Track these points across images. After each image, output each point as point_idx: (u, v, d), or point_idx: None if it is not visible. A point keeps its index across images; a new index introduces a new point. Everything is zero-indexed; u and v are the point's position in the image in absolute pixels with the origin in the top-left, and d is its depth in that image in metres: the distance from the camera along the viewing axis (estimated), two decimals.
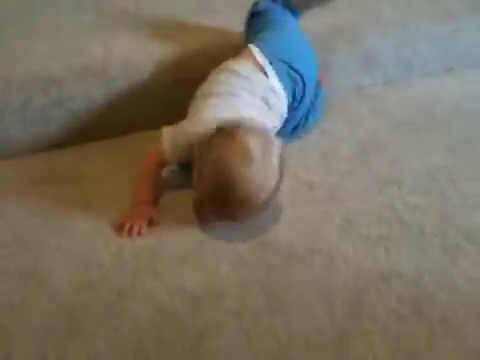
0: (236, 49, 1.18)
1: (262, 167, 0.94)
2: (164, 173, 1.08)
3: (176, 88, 1.22)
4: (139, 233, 0.97)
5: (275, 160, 0.96)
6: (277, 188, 0.97)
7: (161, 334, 0.83)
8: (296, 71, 1.12)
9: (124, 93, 1.20)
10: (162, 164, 1.06)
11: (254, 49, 1.12)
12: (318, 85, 1.20)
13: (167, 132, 1.04)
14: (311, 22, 1.29)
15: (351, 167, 1.12)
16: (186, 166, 1.05)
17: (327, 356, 0.81)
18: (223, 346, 0.82)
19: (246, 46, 1.15)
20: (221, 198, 0.94)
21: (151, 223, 0.99)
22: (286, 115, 1.13)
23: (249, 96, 1.07)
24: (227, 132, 0.96)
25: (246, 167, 0.93)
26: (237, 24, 1.25)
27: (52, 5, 1.41)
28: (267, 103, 1.08)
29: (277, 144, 0.98)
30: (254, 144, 0.95)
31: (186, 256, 0.95)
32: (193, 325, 0.84)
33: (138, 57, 1.22)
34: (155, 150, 1.04)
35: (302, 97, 1.14)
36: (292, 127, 1.17)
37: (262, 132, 0.99)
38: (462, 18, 1.36)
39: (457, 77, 1.37)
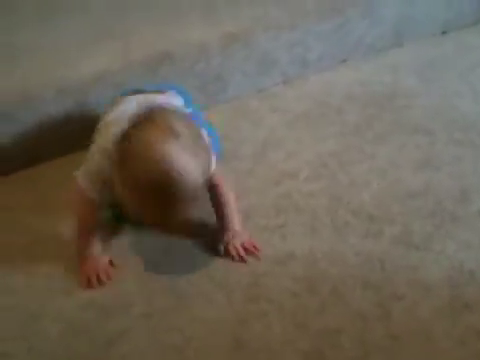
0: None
1: (190, 142, 0.94)
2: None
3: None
4: (108, 278, 1.02)
5: (203, 137, 0.97)
6: (209, 171, 0.98)
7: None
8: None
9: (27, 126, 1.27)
10: (91, 205, 1.04)
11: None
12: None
13: (78, 171, 1.04)
14: (205, 31, 1.41)
15: (251, 166, 1.23)
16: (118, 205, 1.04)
17: (229, 340, 0.92)
18: (132, 348, 0.92)
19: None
20: (162, 188, 0.91)
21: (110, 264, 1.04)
22: None
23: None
24: (139, 121, 0.95)
25: (175, 142, 0.92)
26: (138, 45, 1.36)
27: None
28: None
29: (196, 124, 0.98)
30: (175, 119, 0.95)
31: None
32: (103, 334, 0.94)
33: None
34: (75, 194, 1.03)
35: None
36: None
37: (178, 111, 1.00)
38: (347, 11, 1.50)
39: (351, 67, 1.50)
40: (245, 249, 1.03)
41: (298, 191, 1.15)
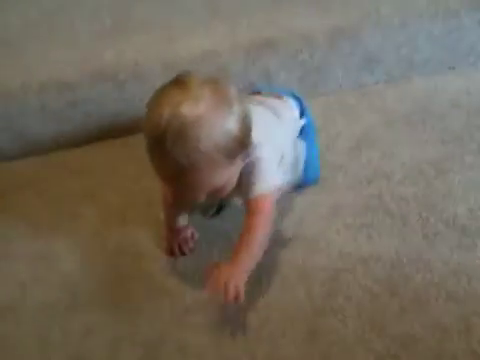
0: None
1: (212, 104, 0.86)
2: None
3: None
4: (190, 249, 1.08)
5: (235, 105, 0.89)
6: (241, 141, 0.90)
7: None
8: None
9: (134, 96, 1.36)
10: None
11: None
12: None
13: None
14: (312, 22, 1.42)
15: (344, 161, 1.24)
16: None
17: (303, 330, 0.94)
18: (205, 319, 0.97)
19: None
20: (156, 137, 0.86)
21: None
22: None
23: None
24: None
25: (190, 101, 0.85)
26: (245, 29, 1.39)
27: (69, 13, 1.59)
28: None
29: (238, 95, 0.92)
30: (202, 84, 0.88)
31: None
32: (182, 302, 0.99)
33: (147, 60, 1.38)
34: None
35: None
36: None
37: (220, 81, 0.92)
38: (462, 15, 1.46)
39: (459, 74, 1.46)
40: (227, 290, 0.89)
41: (390, 193, 1.15)
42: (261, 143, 0.97)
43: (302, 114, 1.20)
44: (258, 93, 1.22)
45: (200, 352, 0.93)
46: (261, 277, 1.01)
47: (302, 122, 1.18)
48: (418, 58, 1.47)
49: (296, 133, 1.18)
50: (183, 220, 1.10)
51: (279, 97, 1.18)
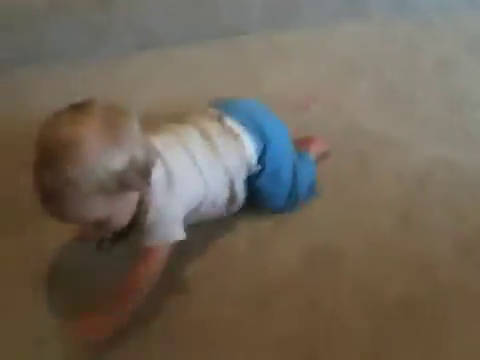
0: None
1: (97, 133, 0.82)
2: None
3: None
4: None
5: (127, 141, 0.85)
6: (122, 180, 0.85)
7: None
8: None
9: None
10: None
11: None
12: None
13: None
14: None
15: (428, 77, 1.43)
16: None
17: (393, 218, 1.15)
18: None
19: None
20: (37, 150, 0.83)
21: None
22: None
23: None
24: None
25: (73, 125, 0.82)
26: None
27: None
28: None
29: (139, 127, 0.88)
30: (100, 112, 0.85)
31: None
32: None
33: None
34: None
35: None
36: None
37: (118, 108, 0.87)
38: None
39: None
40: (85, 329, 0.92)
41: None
42: (163, 192, 0.94)
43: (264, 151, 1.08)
44: (218, 116, 1.08)
45: None
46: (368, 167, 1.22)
47: (256, 167, 1.07)
48: None
49: (241, 172, 1.07)
50: None
51: (231, 131, 1.06)
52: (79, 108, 0.85)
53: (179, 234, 0.96)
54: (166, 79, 1.45)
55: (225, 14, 1.57)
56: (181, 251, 0.98)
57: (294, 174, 1.11)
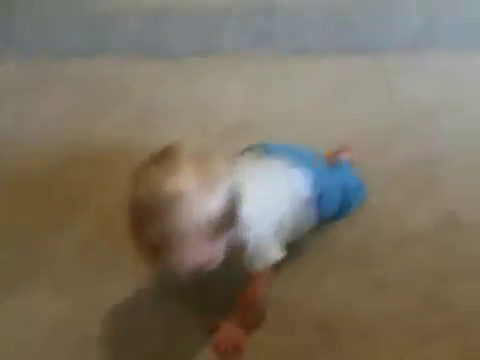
0: None
1: (195, 183, 0.87)
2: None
3: None
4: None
5: (221, 184, 0.89)
6: (223, 221, 0.90)
7: None
8: None
9: None
10: None
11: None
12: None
13: None
14: None
15: None
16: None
17: None
18: None
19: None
20: (135, 209, 0.88)
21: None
22: None
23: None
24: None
25: (171, 179, 0.86)
26: None
27: None
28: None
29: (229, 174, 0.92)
30: (189, 159, 0.89)
31: None
32: None
33: None
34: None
35: None
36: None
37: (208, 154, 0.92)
38: None
39: None
40: (225, 348, 0.99)
41: None
42: (254, 218, 0.98)
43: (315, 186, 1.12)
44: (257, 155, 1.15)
45: None
46: None
47: (306, 193, 1.11)
48: None
49: (298, 201, 1.10)
50: None
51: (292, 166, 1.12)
52: (169, 158, 0.87)
53: (278, 254, 1.02)
54: None
55: None
56: None
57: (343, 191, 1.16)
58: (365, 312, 1.02)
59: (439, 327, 0.98)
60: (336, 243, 1.14)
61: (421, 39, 1.65)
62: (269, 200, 1.04)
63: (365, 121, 1.42)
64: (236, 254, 0.98)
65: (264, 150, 1.15)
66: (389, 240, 1.14)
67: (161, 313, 1.05)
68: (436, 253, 1.11)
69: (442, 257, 1.10)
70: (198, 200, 0.86)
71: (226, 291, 1.05)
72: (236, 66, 1.66)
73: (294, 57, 1.67)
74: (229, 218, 0.91)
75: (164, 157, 0.88)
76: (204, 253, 0.91)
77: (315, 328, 1.01)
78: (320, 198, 1.12)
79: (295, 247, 1.09)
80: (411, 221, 1.17)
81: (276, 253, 1.02)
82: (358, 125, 1.41)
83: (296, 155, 1.14)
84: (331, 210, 1.16)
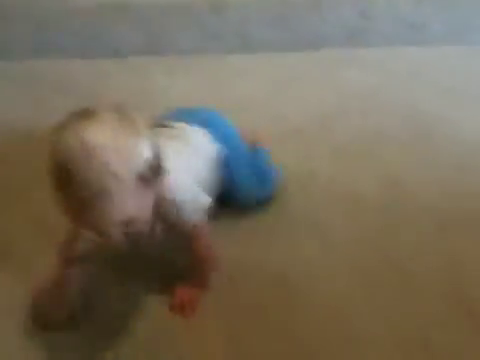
0: None
1: (120, 129, 0.86)
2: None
3: None
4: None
5: (144, 131, 0.90)
6: (153, 167, 0.90)
7: None
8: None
9: None
10: None
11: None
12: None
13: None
14: None
15: None
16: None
17: None
18: None
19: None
20: (60, 165, 0.85)
21: None
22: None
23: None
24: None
25: (95, 126, 0.86)
26: None
27: None
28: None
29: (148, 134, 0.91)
30: (108, 112, 0.88)
31: None
32: None
33: None
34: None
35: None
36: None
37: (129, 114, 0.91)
38: None
39: None
40: (182, 306, 1.07)
41: None
42: (175, 173, 0.98)
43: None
44: (163, 125, 1.19)
45: None
46: None
47: (215, 147, 1.19)
48: None
49: (211, 157, 1.18)
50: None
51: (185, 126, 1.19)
52: (89, 112, 0.87)
53: (206, 200, 1.06)
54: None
55: None
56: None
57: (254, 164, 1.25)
58: (319, 268, 1.14)
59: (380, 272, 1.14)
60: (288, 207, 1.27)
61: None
62: (183, 156, 1.09)
63: (314, 105, 1.60)
64: (166, 213, 0.99)
65: (174, 116, 1.22)
66: (340, 205, 1.28)
67: (114, 285, 1.10)
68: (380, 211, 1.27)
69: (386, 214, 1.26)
70: (122, 151, 0.85)
71: (174, 260, 1.13)
72: (185, 64, 1.76)
73: (243, 54, 1.80)
74: (153, 171, 0.90)
75: (84, 113, 0.87)
76: (131, 207, 0.89)
77: (271, 284, 1.11)
78: (228, 160, 1.19)
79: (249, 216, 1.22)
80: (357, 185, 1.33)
81: (205, 199, 1.06)
82: (308, 109, 1.58)
83: (203, 116, 1.22)
84: (245, 184, 1.22)
